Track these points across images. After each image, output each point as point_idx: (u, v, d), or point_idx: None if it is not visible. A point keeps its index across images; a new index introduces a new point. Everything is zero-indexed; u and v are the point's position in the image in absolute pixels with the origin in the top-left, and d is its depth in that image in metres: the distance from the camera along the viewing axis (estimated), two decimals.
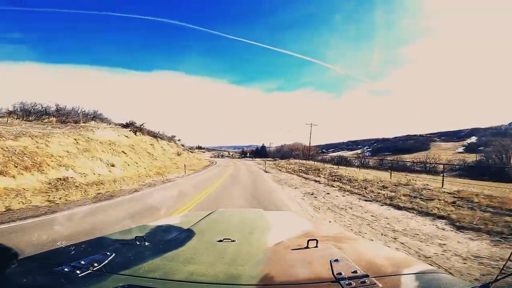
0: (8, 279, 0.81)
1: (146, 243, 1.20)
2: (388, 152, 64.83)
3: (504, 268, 0.79)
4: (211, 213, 2.17)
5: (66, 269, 0.88)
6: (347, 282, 0.80)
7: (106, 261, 0.96)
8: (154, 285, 0.82)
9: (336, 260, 0.95)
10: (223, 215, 2.22)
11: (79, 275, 0.85)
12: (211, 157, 72.45)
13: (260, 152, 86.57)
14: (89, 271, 0.88)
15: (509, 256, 0.83)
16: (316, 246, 1.13)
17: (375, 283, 0.80)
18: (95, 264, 0.92)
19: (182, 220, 2.01)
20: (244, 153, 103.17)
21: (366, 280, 0.81)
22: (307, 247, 1.14)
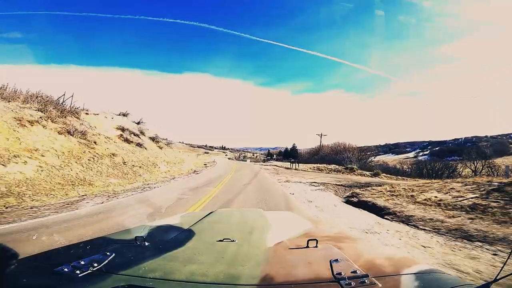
0: (8, 279, 0.80)
1: (146, 243, 1.20)
2: (456, 156, 55.70)
3: (504, 268, 0.78)
4: (211, 213, 2.17)
5: (66, 269, 0.88)
6: (347, 282, 0.80)
7: (106, 261, 0.96)
8: (154, 285, 0.82)
9: (336, 260, 0.95)
10: (223, 215, 2.22)
11: (79, 275, 0.85)
12: (229, 158, 70.70)
13: (290, 154, 76.81)
14: (89, 271, 0.88)
15: (509, 256, 0.82)
16: (316, 246, 1.14)
17: (375, 283, 0.80)
18: (95, 264, 0.92)
19: (182, 220, 2.01)
20: (270, 155, 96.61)
21: (366, 280, 0.81)
22: (307, 247, 1.14)
